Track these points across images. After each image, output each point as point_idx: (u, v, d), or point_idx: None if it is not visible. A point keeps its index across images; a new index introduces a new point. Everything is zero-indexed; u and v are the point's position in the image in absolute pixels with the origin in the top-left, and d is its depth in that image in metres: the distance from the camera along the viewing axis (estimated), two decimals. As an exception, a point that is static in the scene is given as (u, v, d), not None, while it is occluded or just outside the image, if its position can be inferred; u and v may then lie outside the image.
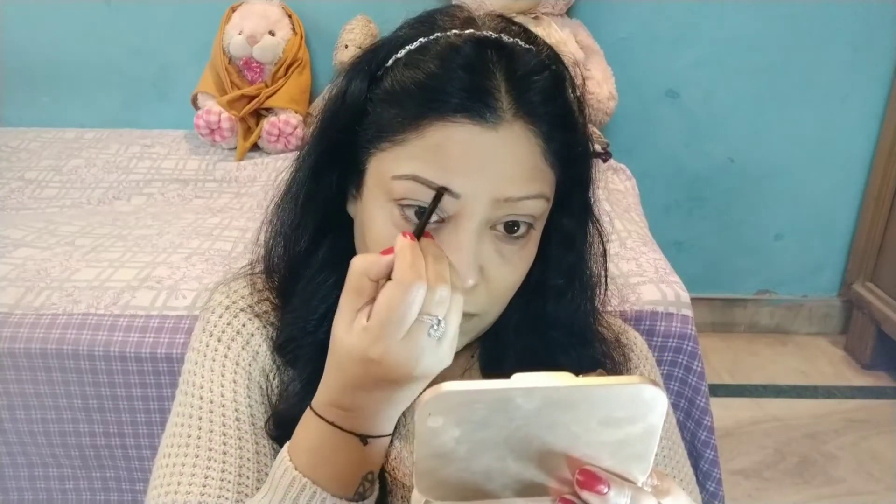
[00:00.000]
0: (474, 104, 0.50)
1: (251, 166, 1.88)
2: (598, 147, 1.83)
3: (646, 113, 2.13)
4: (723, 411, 1.96)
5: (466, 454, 0.37)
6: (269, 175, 1.82)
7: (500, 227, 0.53)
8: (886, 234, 2.13)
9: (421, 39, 0.54)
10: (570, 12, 1.97)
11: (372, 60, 0.56)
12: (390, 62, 0.55)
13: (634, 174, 1.82)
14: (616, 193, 1.69)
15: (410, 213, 0.51)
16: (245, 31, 1.89)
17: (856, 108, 2.12)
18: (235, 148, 1.93)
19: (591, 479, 0.38)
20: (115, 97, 2.16)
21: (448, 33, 0.53)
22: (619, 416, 0.36)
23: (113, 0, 2.06)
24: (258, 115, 1.95)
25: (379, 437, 0.48)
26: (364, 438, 0.47)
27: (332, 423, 0.48)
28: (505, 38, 0.54)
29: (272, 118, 1.91)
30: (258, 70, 1.94)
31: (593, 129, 1.85)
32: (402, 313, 0.44)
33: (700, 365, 1.17)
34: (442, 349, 0.46)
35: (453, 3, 1.40)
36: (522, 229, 0.53)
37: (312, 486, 0.48)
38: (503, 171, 0.51)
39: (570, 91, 0.56)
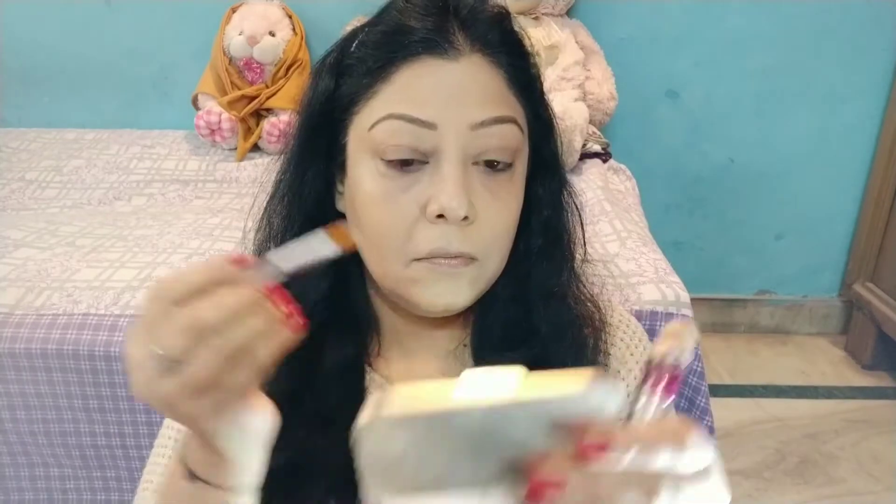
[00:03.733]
0: (433, 38, 0.54)
1: (251, 167, 1.88)
2: (598, 147, 1.83)
3: (646, 113, 2.13)
4: (723, 411, 1.96)
5: (413, 468, 0.36)
6: (270, 176, 1.82)
7: (482, 163, 0.55)
8: (886, 234, 2.13)
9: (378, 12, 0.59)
10: (570, 12, 1.97)
11: (338, 53, 0.59)
12: (353, 47, 0.58)
13: (634, 174, 1.82)
14: (616, 193, 1.69)
15: (394, 159, 0.53)
16: (245, 32, 1.89)
17: (856, 108, 2.12)
18: (236, 148, 1.93)
19: (595, 446, 0.35)
20: (115, 98, 2.16)
21: None
22: (571, 420, 0.35)
23: (113, 0, 2.06)
24: (258, 115, 1.95)
25: (205, 482, 0.44)
26: (190, 474, 0.44)
27: (183, 445, 0.46)
28: None
29: (272, 119, 1.91)
30: (258, 70, 1.94)
31: (593, 129, 1.86)
32: (143, 313, 0.39)
33: (700, 365, 1.17)
34: (165, 386, 0.38)
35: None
36: (503, 164, 0.56)
37: None
38: (472, 97, 0.54)
39: (515, 25, 0.60)
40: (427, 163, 0.54)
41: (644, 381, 0.39)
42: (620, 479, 0.34)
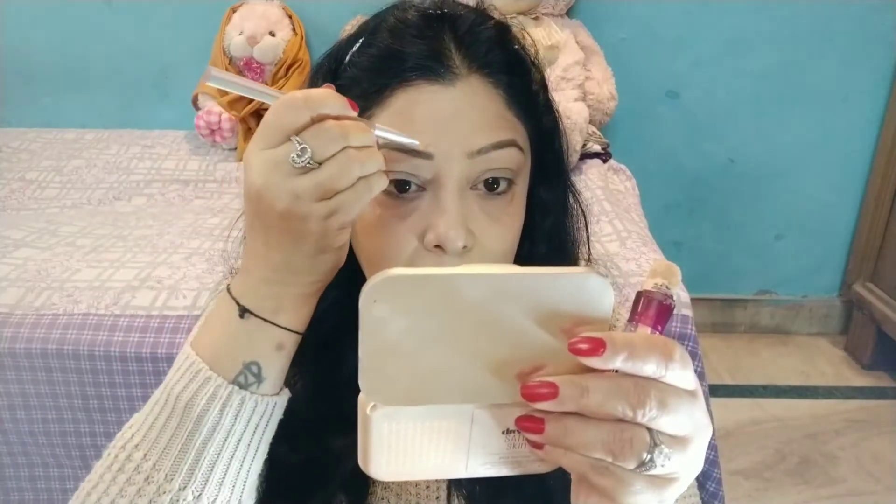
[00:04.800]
0: (429, 64, 0.52)
1: (251, 167, 1.88)
2: (598, 147, 1.83)
3: (646, 113, 2.13)
4: (723, 411, 1.96)
5: (412, 349, 0.37)
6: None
7: (481, 187, 0.53)
8: (886, 234, 2.13)
9: (371, 25, 0.57)
10: (570, 13, 1.97)
11: (331, 63, 0.58)
12: (347, 59, 0.57)
13: (634, 174, 1.82)
14: (616, 193, 1.69)
15: (390, 186, 0.51)
16: (245, 32, 1.89)
17: (856, 108, 2.12)
18: (236, 148, 1.93)
19: (593, 342, 0.35)
20: (115, 98, 2.16)
21: (394, 14, 0.56)
22: (567, 310, 0.37)
23: (114, 0, 2.06)
24: (258, 115, 1.95)
25: (260, 318, 0.47)
26: (242, 310, 0.47)
27: (227, 287, 0.48)
28: (446, 8, 0.57)
29: (272, 118, 1.91)
30: (259, 70, 1.94)
31: (593, 129, 1.86)
32: (268, 120, 0.43)
33: (700, 365, 1.17)
34: (299, 183, 0.42)
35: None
36: (503, 185, 0.54)
37: (193, 355, 0.48)
38: (469, 124, 0.52)
39: (516, 41, 0.58)
40: (425, 189, 0.52)
41: (633, 311, 0.39)
42: (609, 390, 0.35)
